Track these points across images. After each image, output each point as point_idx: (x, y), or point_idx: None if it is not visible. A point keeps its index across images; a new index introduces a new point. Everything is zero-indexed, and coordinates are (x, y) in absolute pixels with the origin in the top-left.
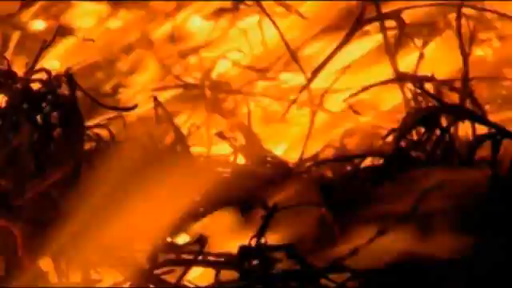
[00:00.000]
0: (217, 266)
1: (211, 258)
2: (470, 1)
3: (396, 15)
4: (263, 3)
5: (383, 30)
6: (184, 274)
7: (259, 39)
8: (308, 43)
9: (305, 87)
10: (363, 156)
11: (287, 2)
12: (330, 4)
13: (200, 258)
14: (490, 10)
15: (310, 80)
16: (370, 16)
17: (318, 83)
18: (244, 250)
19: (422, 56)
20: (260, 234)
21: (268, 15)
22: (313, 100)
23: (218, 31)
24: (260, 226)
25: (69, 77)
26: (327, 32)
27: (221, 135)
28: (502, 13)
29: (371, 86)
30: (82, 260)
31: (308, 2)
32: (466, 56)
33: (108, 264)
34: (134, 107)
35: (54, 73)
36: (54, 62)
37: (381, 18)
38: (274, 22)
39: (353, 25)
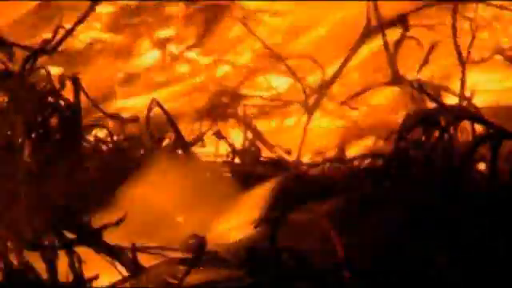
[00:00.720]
0: (223, 266)
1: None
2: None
3: (401, 20)
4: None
5: (383, 34)
6: (187, 273)
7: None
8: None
9: (319, 97)
10: (363, 156)
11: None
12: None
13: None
14: (492, 4)
15: (323, 88)
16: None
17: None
18: (252, 251)
19: (426, 60)
20: (272, 234)
21: (245, 24)
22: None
23: (217, 34)
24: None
25: (74, 80)
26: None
27: (219, 135)
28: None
29: (370, 86)
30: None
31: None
32: (462, 57)
33: (107, 262)
34: (136, 119)
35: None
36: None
37: (386, 25)
38: (250, 30)
39: (361, 35)
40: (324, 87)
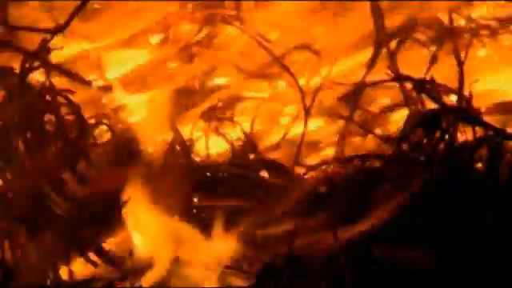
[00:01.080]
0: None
1: None
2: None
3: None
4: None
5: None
6: None
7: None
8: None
9: (344, 117)
10: (363, 157)
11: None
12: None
13: None
14: None
15: (341, 97)
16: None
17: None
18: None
19: (435, 59)
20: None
21: (242, 28)
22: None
23: (215, 34)
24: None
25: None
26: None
27: (217, 131)
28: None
29: (369, 84)
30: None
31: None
32: (460, 57)
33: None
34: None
35: None
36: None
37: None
38: (244, 30)
39: (374, 49)
40: (342, 98)
